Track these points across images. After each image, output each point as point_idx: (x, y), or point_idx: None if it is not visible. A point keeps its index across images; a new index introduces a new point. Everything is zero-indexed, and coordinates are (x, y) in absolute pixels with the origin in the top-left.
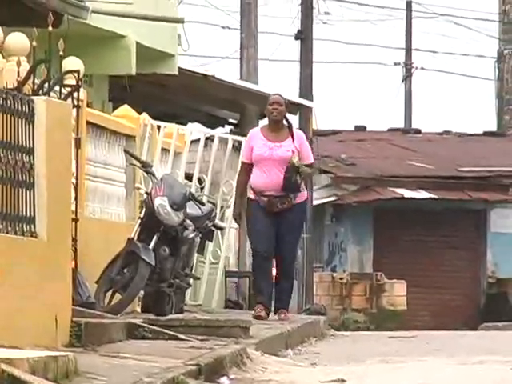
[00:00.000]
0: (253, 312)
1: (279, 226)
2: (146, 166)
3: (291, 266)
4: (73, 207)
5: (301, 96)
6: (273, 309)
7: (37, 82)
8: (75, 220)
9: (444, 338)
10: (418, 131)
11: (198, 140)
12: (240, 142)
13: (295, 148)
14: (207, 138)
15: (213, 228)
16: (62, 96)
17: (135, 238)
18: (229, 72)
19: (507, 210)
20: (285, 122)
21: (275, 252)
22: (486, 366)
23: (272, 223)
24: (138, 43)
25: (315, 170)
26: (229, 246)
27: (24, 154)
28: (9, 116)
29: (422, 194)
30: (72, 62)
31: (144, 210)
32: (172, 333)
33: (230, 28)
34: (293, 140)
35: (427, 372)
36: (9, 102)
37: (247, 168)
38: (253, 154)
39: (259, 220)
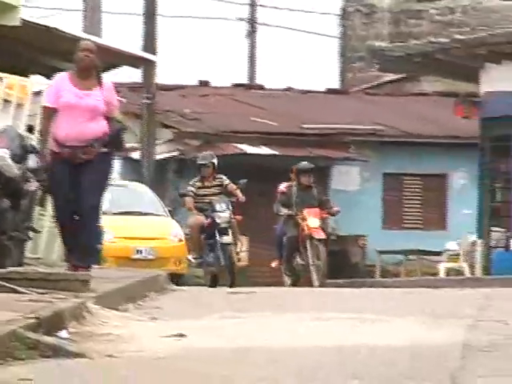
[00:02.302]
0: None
1: (83, 177)
2: None
3: (95, 219)
4: None
5: (144, 50)
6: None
7: None
8: None
9: (285, 294)
10: (262, 87)
11: (40, 92)
12: None
13: (103, 98)
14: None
15: None
16: None
17: None
18: (72, 24)
19: (348, 168)
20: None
21: (79, 204)
22: (328, 321)
23: (75, 174)
24: None
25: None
26: None
27: None
28: None
29: (265, 151)
30: None
31: None
32: (11, 286)
33: None
34: (102, 89)
35: (266, 327)
36: None
37: (52, 114)
38: (59, 100)
39: (61, 172)
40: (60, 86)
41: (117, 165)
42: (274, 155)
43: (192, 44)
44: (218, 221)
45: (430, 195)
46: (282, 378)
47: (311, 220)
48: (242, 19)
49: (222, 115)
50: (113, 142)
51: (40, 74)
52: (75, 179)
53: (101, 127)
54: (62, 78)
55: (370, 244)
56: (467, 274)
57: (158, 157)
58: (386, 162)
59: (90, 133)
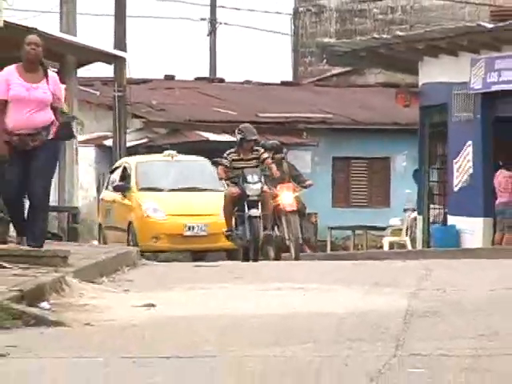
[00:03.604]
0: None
1: (32, 164)
2: None
3: (44, 204)
4: None
5: (115, 48)
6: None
7: None
8: None
9: (246, 267)
10: (222, 80)
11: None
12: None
13: (50, 90)
14: None
15: None
16: None
17: None
18: (50, 25)
19: (301, 152)
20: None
21: (29, 189)
22: (283, 291)
23: (23, 162)
24: None
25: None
26: None
27: None
28: None
29: (226, 138)
30: None
31: None
32: None
33: None
34: (48, 82)
35: (227, 297)
36: None
37: (2, 106)
38: (9, 93)
39: (11, 160)
40: (9, 79)
41: (91, 151)
42: (235, 142)
43: (159, 42)
44: (248, 193)
45: (374, 176)
46: (242, 342)
47: (284, 194)
48: (203, 19)
49: (186, 106)
50: (62, 130)
51: None
52: (25, 165)
53: (48, 116)
54: (10, 71)
55: (322, 221)
56: (409, 247)
57: (129, 144)
58: (335, 146)
59: (38, 121)
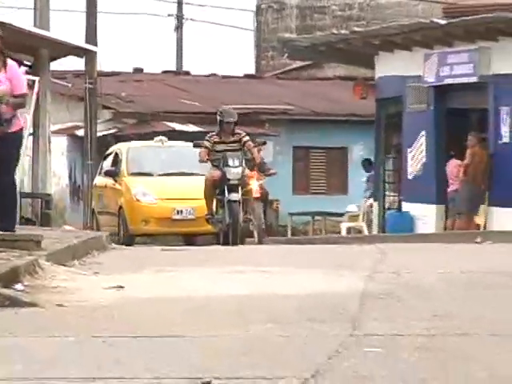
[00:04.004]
0: None
1: None
2: None
3: (11, 193)
4: None
5: (87, 42)
6: None
7: None
8: None
9: (211, 251)
10: (188, 73)
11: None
12: (33, 82)
13: (6, 79)
14: None
15: None
16: None
17: None
18: (24, 21)
19: None
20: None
21: None
22: (246, 274)
23: None
24: None
25: (24, 100)
26: (23, 170)
27: None
28: None
29: (191, 128)
30: None
31: None
32: None
33: None
34: (5, 72)
35: (193, 279)
36: None
37: None
38: None
39: None
40: None
41: (63, 141)
42: (200, 131)
43: (128, 36)
44: (228, 176)
45: (333, 165)
46: (206, 323)
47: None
48: (171, 15)
49: (154, 97)
50: None
51: None
52: None
53: (7, 108)
54: None
55: (283, 207)
56: (365, 232)
57: (99, 134)
58: (296, 136)
59: None
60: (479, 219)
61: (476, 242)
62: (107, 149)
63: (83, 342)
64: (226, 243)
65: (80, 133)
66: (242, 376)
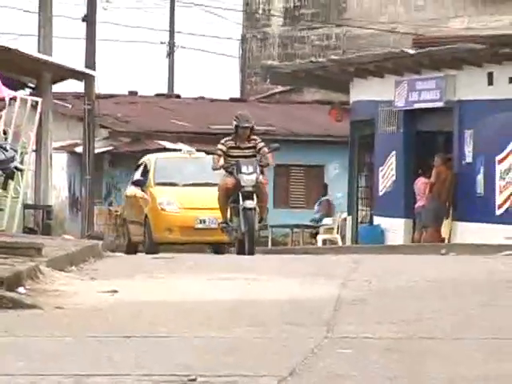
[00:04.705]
0: None
1: None
2: None
3: None
4: None
5: (86, 66)
6: None
7: None
8: None
9: (198, 259)
10: (179, 96)
11: (3, 100)
12: (37, 102)
13: None
14: (11, 99)
15: (14, 169)
16: None
17: None
18: (29, 46)
19: None
20: None
21: None
22: (232, 281)
23: None
24: None
25: None
26: (27, 184)
27: None
28: None
29: (181, 146)
30: None
31: None
32: None
33: (30, 12)
34: None
35: (183, 285)
36: None
37: None
38: None
39: None
40: None
41: (64, 157)
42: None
43: (124, 62)
44: (242, 183)
45: (311, 182)
46: (193, 325)
47: None
48: (163, 43)
49: (147, 118)
50: None
51: (4, 84)
52: None
53: None
54: None
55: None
56: (339, 243)
57: (97, 151)
58: (277, 155)
59: None
60: (444, 232)
61: (441, 254)
62: (104, 164)
63: (79, 342)
64: (241, 252)
65: (79, 150)
66: (225, 374)
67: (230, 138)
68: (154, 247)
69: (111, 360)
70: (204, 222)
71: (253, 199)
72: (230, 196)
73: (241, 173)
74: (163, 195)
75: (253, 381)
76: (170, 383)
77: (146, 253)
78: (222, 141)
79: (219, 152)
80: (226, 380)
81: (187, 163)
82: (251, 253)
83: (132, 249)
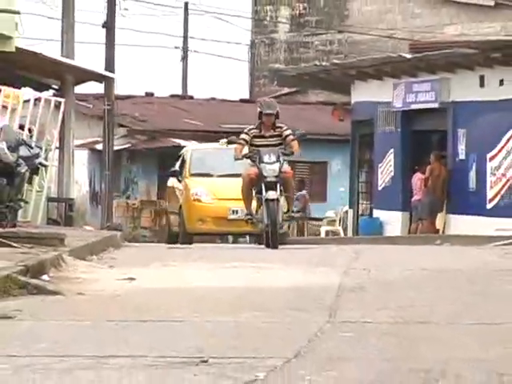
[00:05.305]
0: None
1: None
2: None
3: None
4: None
5: (106, 69)
6: None
7: None
8: None
9: (213, 249)
10: (192, 97)
11: (29, 100)
12: (60, 103)
13: None
14: (36, 99)
15: (39, 165)
16: None
17: None
18: (53, 51)
19: None
20: None
21: None
22: (240, 269)
23: None
24: None
25: None
26: (51, 178)
27: None
28: None
29: (194, 144)
30: None
31: None
32: (7, 242)
33: (54, 18)
34: None
35: (193, 273)
36: None
37: None
38: None
39: None
40: None
41: (85, 154)
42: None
43: (141, 65)
44: (264, 174)
45: (315, 177)
46: (204, 310)
47: None
48: (177, 47)
49: (162, 118)
50: None
51: (30, 86)
52: None
53: None
54: None
55: None
56: (341, 234)
57: (116, 148)
58: None
59: None
60: (438, 224)
61: (436, 244)
62: (122, 160)
63: (99, 325)
64: (267, 244)
65: (99, 147)
66: (234, 356)
67: (255, 126)
68: (188, 237)
69: (128, 343)
70: (237, 212)
71: (276, 190)
72: (254, 186)
73: (263, 162)
74: (197, 186)
75: (260, 362)
76: (183, 364)
77: (181, 243)
78: (246, 130)
79: (242, 141)
80: (235, 361)
81: (223, 154)
82: (274, 246)
83: (173, 239)
